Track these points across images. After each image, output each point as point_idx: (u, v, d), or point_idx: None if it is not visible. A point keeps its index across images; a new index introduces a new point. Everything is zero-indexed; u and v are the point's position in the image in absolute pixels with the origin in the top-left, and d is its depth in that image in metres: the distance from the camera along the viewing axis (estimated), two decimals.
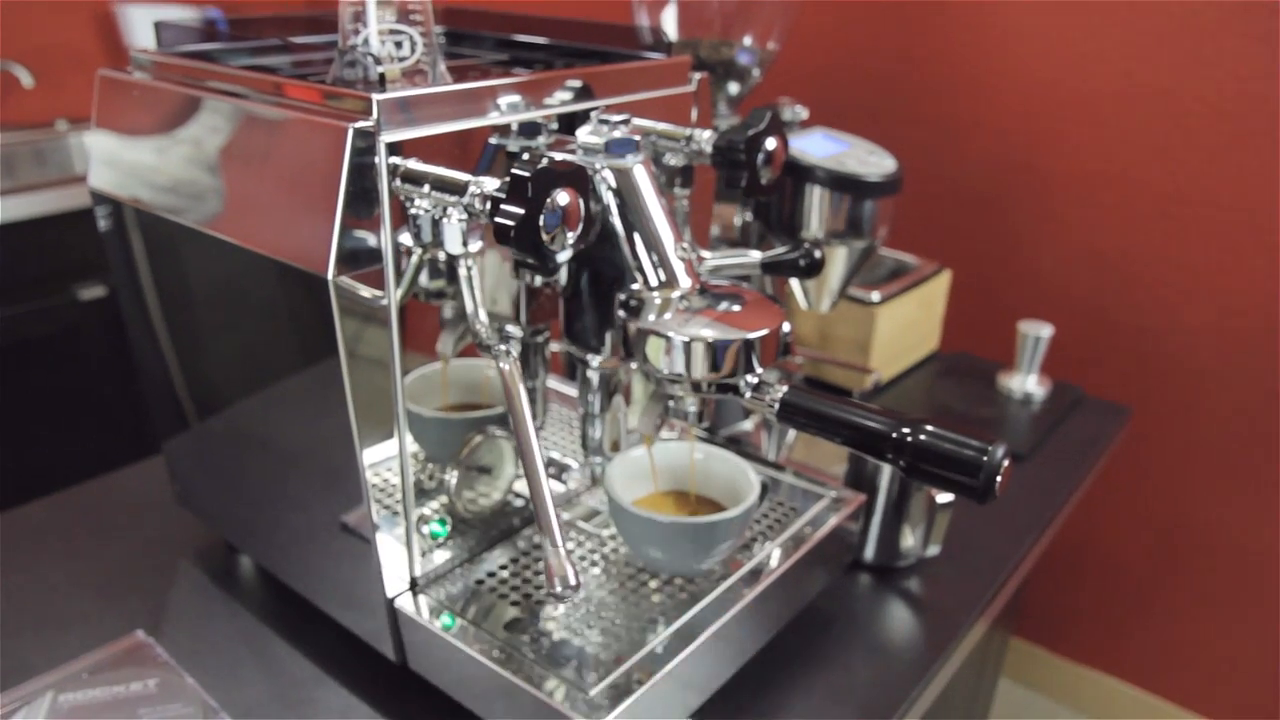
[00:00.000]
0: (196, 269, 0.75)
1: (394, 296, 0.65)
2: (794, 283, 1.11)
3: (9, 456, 1.98)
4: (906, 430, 0.60)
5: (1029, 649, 1.87)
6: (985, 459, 0.58)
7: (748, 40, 1.10)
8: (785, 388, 0.66)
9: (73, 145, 2.42)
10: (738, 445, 1.06)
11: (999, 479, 0.59)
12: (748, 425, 1.16)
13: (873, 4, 1.68)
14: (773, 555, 0.81)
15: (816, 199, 1.03)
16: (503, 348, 0.62)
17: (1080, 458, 1.19)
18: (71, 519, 0.99)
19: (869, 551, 0.97)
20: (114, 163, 0.79)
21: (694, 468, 0.81)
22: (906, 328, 1.35)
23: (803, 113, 1.12)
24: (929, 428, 0.60)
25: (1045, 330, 1.32)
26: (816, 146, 1.05)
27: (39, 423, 2.02)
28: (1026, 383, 1.34)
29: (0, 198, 1.91)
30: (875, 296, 1.27)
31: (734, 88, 1.11)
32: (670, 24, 1.09)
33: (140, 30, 2.43)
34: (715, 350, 0.65)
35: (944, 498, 0.94)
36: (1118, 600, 1.74)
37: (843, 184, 1.02)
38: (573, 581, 0.54)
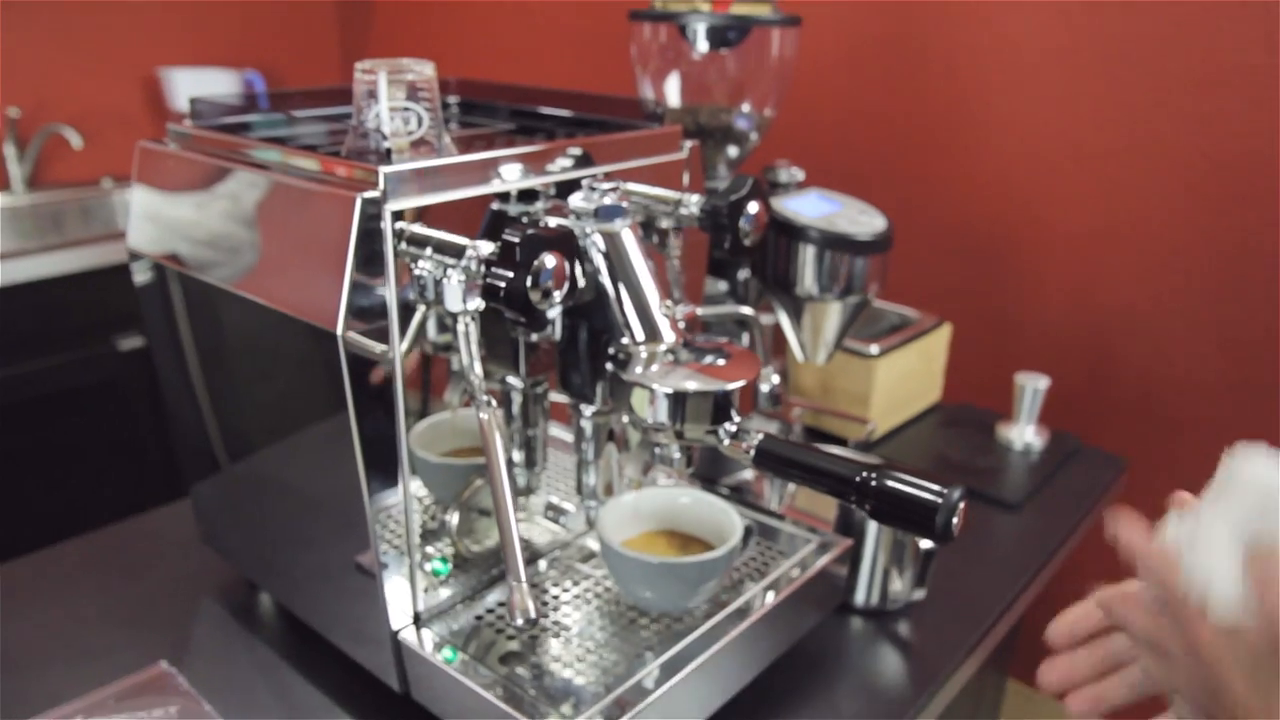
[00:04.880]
0: (222, 323, 0.81)
1: (398, 350, 0.70)
2: (791, 336, 1.16)
3: (48, 498, 2.06)
4: (869, 475, 0.65)
5: (1026, 691, 1.87)
6: (941, 502, 0.63)
7: (745, 107, 1.16)
8: (761, 435, 0.71)
9: (116, 203, 2.53)
10: (739, 494, 1.11)
11: (955, 520, 0.64)
12: (749, 475, 1.20)
13: (872, 66, 1.74)
14: (759, 595, 0.85)
15: (809, 257, 1.08)
16: (484, 399, 0.67)
17: (1073, 507, 1.23)
18: (103, 557, 1.05)
19: (859, 595, 1.00)
20: (149, 224, 0.86)
21: (680, 511, 0.86)
22: (906, 379, 1.39)
23: (799, 174, 1.18)
24: (891, 473, 0.65)
25: (1042, 382, 1.36)
26: (810, 207, 1.11)
27: (77, 467, 2.10)
28: (1025, 433, 1.37)
29: (49, 253, 2.01)
30: (874, 349, 1.31)
31: (733, 151, 1.17)
32: (673, 92, 1.16)
33: (182, 93, 2.54)
34: (694, 401, 0.70)
35: (928, 543, 0.97)
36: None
37: (834, 243, 1.07)
38: (533, 615, 0.59)
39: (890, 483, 0.64)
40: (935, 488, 0.63)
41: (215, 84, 2.58)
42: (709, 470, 1.15)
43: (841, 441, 1.30)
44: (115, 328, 2.11)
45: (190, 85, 2.55)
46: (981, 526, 1.19)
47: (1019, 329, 1.70)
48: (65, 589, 1.00)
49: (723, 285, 1.23)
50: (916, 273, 1.74)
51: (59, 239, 2.37)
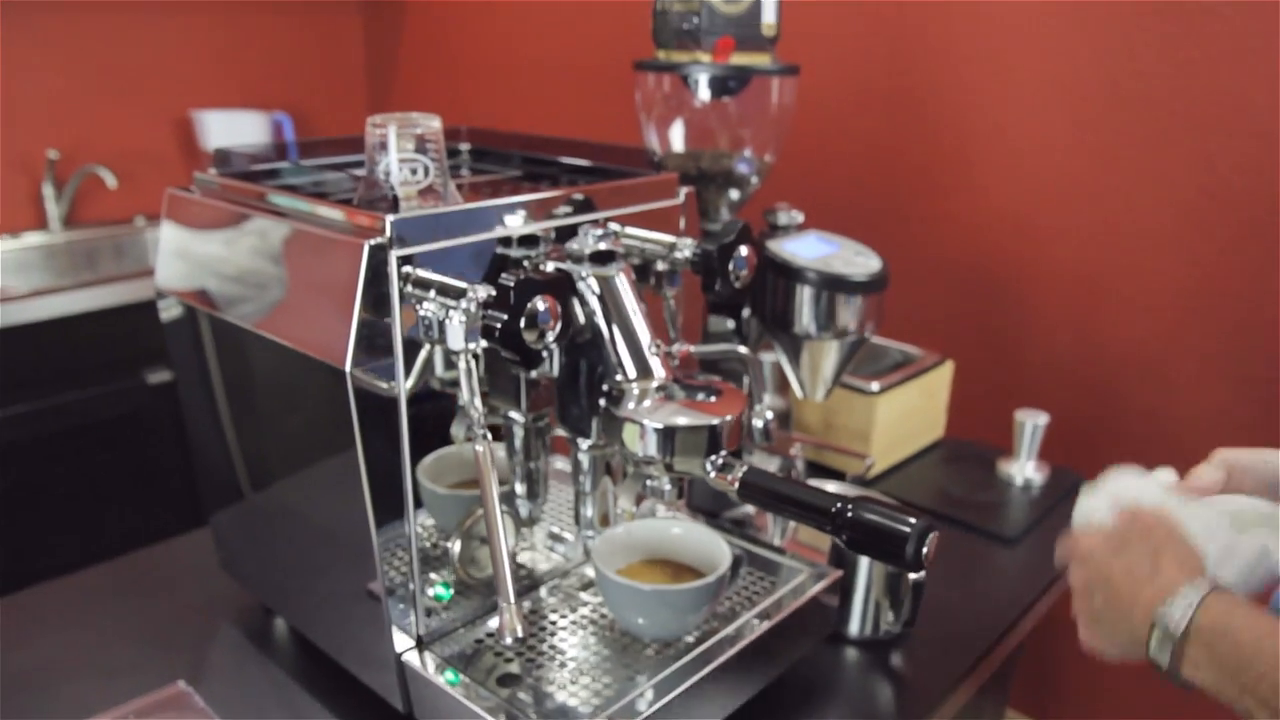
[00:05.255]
0: (241, 359, 0.86)
1: (403, 386, 0.75)
2: (790, 373, 1.20)
3: (76, 525, 2.12)
4: (844, 507, 0.69)
5: None
6: (910, 531, 0.66)
7: (746, 152, 1.21)
8: (745, 469, 0.75)
9: (148, 240, 2.61)
10: (741, 527, 1.14)
11: (925, 550, 0.67)
12: (752, 509, 1.24)
13: (874, 108, 1.79)
14: (749, 622, 0.88)
15: (807, 297, 1.12)
16: (481, 431, 0.71)
17: None
18: (128, 581, 1.10)
19: (852, 626, 1.03)
20: (175, 264, 0.91)
21: (673, 541, 0.90)
22: (908, 416, 1.42)
23: (798, 217, 1.22)
24: (864, 506, 0.68)
25: (1041, 418, 1.39)
26: (808, 249, 1.15)
27: (104, 496, 2.16)
28: (1025, 469, 1.40)
29: (82, 289, 2.08)
30: (875, 387, 1.35)
31: (735, 194, 1.22)
32: (676, 137, 1.21)
33: (214, 134, 2.62)
34: (682, 435, 0.74)
35: (917, 575, 1.00)
36: (1107, 676, 1.75)
37: (830, 284, 1.11)
38: (520, 634, 0.63)
39: (863, 514, 0.68)
40: (905, 519, 0.67)
41: (245, 126, 2.66)
42: (712, 504, 1.19)
43: (840, 476, 1.33)
44: (144, 362, 2.17)
45: (221, 127, 2.63)
46: (978, 560, 1.22)
47: (1022, 366, 1.73)
48: (91, 611, 1.04)
49: (730, 323, 1.27)
50: (921, 310, 1.77)
51: (92, 275, 2.45)
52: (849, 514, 0.69)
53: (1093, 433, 1.68)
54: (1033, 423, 1.39)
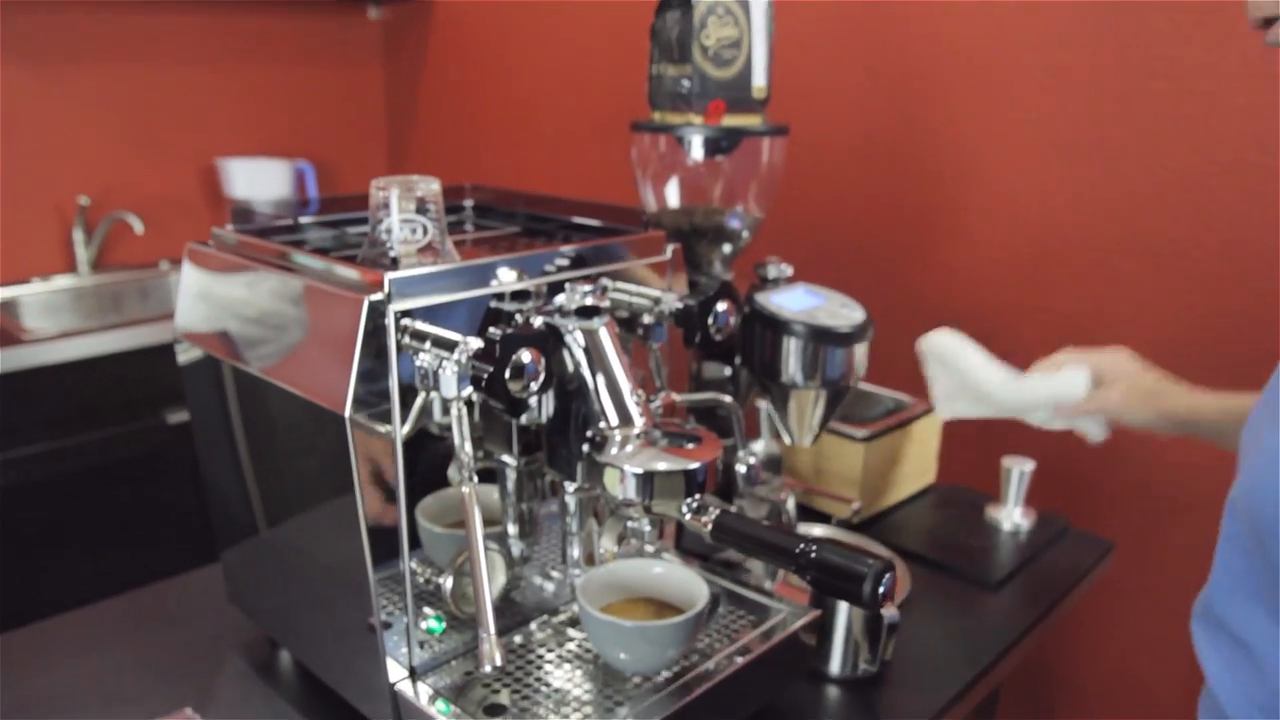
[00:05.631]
0: (251, 403, 0.92)
1: (399, 431, 0.80)
2: (778, 421, 1.25)
3: (96, 560, 2.18)
4: (808, 549, 0.73)
5: None
6: (867, 572, 0.71)
7: (738, 208, 1.26)
8: (718, 511, 0.79)
9: (172, 284, 2.69)
10: (731, 569, 1.19)
11: (882, 590, 0.72)
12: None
13: (867, 159, 1.85)
14: (727, 658, 0.93)
15: (793, 348, 1.17)
16: (468, 474, 0.76)
17: (1052, 587, 1.29)
18: (140, 613, 1.16)
19: (833, 664, 1.07)
20: (194, 312, 0.98)
21: (654, 580, 0.94)
22: (896, 462, 1.46)
23: (787, 270, 1.27)
24: (826, 548, 0.73)
25: (1027, 465, 1.43)
26: (795, 301, 1.20)
27: (124, 532, 2.22)
28: (1013, 515, 1.44)
29: (107, 332, 2.16)
30: (862, 433, 1.39)
31: (727, 248, 1.28)
32: (671, 194, 1.27)
33: (239, 181, 2.71)
34: (659, 479, 0.80)
35: (891, 616, 1.04)
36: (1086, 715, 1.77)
37: (815, 335, 1.16)
38: (499, 663, 0.68)
39: (824, 555, 0.72)
40: (864, 560, 0.71)
41: (269, 174, 2.75)
42: (703, 547, 1.23)
43: (828, 519, 1.37)
44: (164, 402, 2.24)
45: (245, 175, 2.72)
46: (962, 603, 1.25)
47: None
48: (105, 641, 1.10)
49: (727, 370, 1.32)
50: (912, 358, 1.81)
51: (118, 318, 2.53)
52: (812, 555, 0.73)
53: (1082, 479, 1.71)
54: (1019, 469, 1.43)
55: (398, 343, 0.79)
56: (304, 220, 1.03)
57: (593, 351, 0.84)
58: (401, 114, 3.06)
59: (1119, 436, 1.65)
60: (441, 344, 0.78)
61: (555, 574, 1.00)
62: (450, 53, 2.82)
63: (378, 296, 0.78)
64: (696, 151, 1.21)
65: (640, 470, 0.80)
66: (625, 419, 0.83)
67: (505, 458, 0.94)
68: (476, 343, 0.77)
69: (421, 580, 0.90)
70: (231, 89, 2.80)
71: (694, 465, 0.80)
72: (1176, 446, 1.59)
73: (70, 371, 2.10)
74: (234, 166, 2.72)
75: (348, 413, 0.77)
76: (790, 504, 1.35)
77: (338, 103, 3.01)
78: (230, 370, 0.93)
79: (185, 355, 1.00)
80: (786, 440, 1.26)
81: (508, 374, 0.74)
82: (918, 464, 1.52)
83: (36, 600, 1.91)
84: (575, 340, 0.84)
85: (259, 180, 2.72)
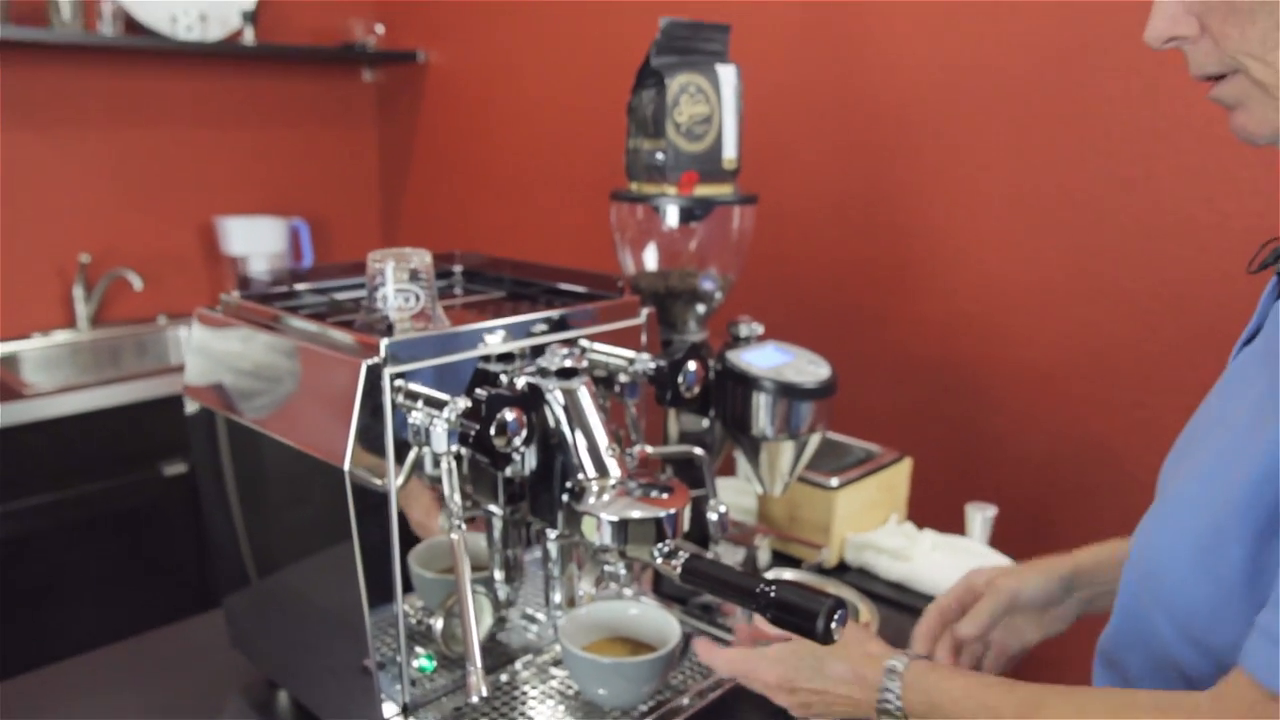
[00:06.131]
0: (254, 457, 0.99)
1: (393, 483, 0.88)
2: (749, 470, 1.32)
3: (94, 611, 2.22)
4: (767, 589, 0.80)
5: None
6: (819, 609, 0.78)
7: (711, 271, 1.35)
8: (687, 555, 0.87)
9: (169, 338, 2.76)
10: (708, 612, 1.25)
11: (834, 625, 0.79)
12: None
13: (846, 220, 1.94)
14: (699, 694, 0.99)
15: (763, 403, 1.24)
16: (457, 522, 0.84)
17: None
18: (143, 658, 1.21)
19: None
20: (201, 371, 1.05)
21: (630, 620, 1.01)
22: (867, 509, 1.53)
23: (758, 329, 1.35)
24: (783, 588, 0.80)
25: (990, 510, 1.50)
26: (764, 358, 1.28)
27: (122, 582, 2.27)
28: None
29: (105, 386, 2.22)
30: (834, 482, 1.47)
31: (701, 308, 1.36)
32: (648, 258, 1.35)
33: (235, 239, 2.79)
34: (633, 526, 0.87)
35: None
36: None
37: (783, 391, 1.24)
38: (484, 693, 0.74)
39: (782, 594, 0.79)
40: (817, 598, 0.78)
41: (265, 232, 2.82)
42: (681, 591, 1.29)
43: (798, 564, 1.44)
44: (161, 455, 2.30)
45: (242, 232, 2.80)
46: None
47: (984, 461, 1.84)
48: (108, 685, 1.15)
49: (704, 423, 1.40)
50: (887, 408, 1.90)
51: (116, 373, 2.59)
52: (771, 595, 0.80)
53: (1045, 523, 1.78)
54: (982, 515, 1.50)
55: (393, 402, 0.87)
56: (300, 287, 1.10)
57: (572, 409, 0.92)
58: (394, 173, 3.16)
59: (1078, 483, 1.73)
60: (432, 403, 0.85)
61: (539, 616, 1.07)
62: (441, 115, 2.93)
63: (375, 360, 0.85)
64: (671, 220, 1.30)
65: (615, 518, 0.87)
66: (602, 471, 0.91)
67: (491, 507, 1.01)
68: (464, 402, 0.84)
69: (414, 621, 0.97)
70: (229, 149, 2.89)
71: (664, 513, 0.88)
72: (1134, 493, 1.67)
73: (69, 425, 2.16)
74: (231, 224, 2.79)
75: (347, 466, 0.84)
76: (765, 550, 1.42)
77: (332, 162, 3.10)
78: (234, 426, 1.00)
79: (192, 411, 1.07)
80: (757, 490, 1.34)
81: (493, 431, 0.82)
82: (889, 511, 1.59)
83: (36, 651, 1.96)
84: (556, 399, 0.92)
85: (255, 238, 2.80)
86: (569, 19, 2.46)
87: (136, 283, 2.61)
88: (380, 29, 2.95)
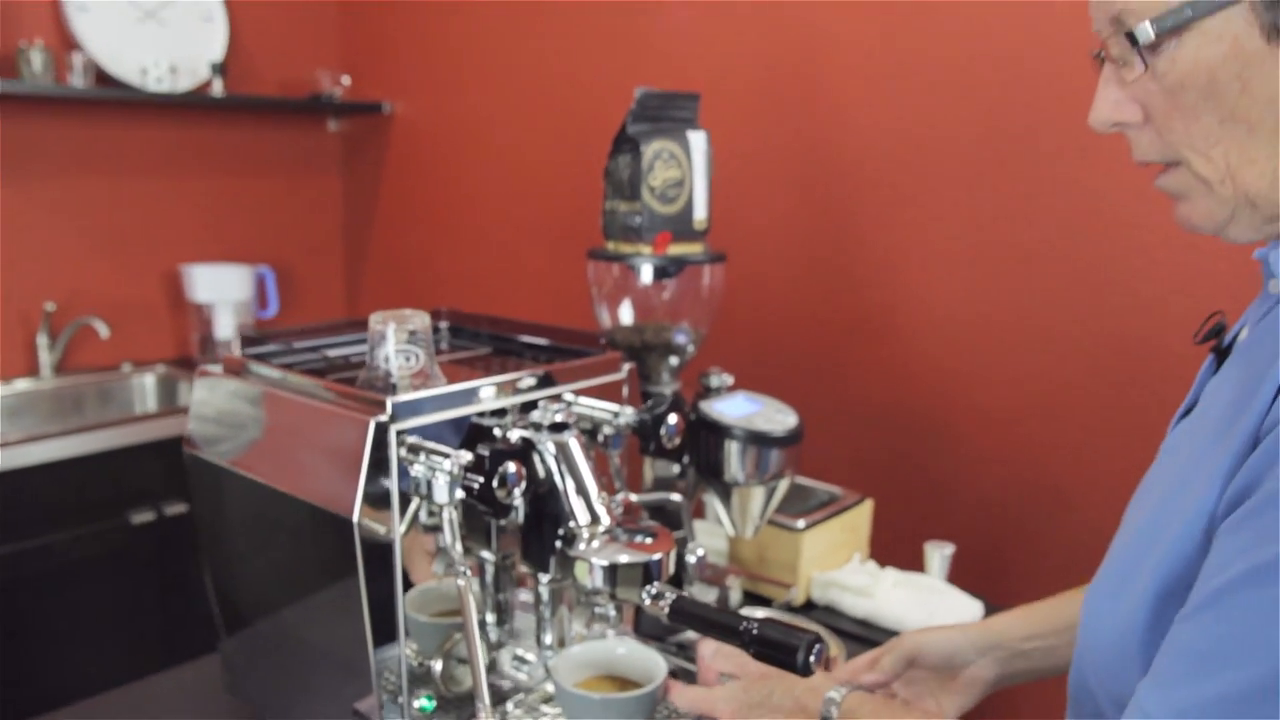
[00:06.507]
0: (257, 508, 1.04)
1: (398, 532, 0.93)
2: (722, 514, 1.39)
3: (62, 661, 2.21)
4: (749, 626, 0.87)
5: None
6: (799, 644, 0.84)
7: (684, 325, 1.42)
8: (674, 596, 0.93)
9: (134, 385, 2.77)
10: (684, 650, 1.31)
11: (813, 659, 0.85)
12: (693, 635, 1.40)
13: (810, 274, 2.03)
14: None
15: (734, 450, 1.32)
16: (462, 569, 0.89)
17: None
18: (132, 708, 1.24)
19: None
20: (204, 426, 1.10)
21: (619, 659, 1.07)
22: (833, 549, 1.61)
23: (728, 379, 1.43)
24: (765, 624, 0.87)
25: (948, 549, 1.58)
26: (735, 408, 1.35)
27: (90, 632, 2.26)
28: None
29: (73, 435, 2.22)
30: (800, 524, 1.54)
31: (674, 360, 1.43)
32: (624, 313, 1.42)
33: (201, 287, 2.81)
34: (622, 570, 0.93)
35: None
36: None
37: (753, 439, 1.31)
38: None
39: (764, 631, 0.86)
40: (797, 634, 0.85)
41: (230, 279, 2.85)
42: (659, 630, 1.35)
43: (769, 603, 1.51)
44: (127, 503, 2.30)
45: (208, 280, 2.83)
46: None
47: (943, 501, 1.93)
48: None
49: (676, 468, 1.46)
50: (849, 452, 1.98)
51: (80, 421, 2.59)
52: (753, 631, 0.87)
53: (1000, 561, 1.87)
54: (940, 553, 1.58)
55: (398, 457, 0.92)
56: (302, 347, 1.16)
57: (563, 460, 0.98)
58: (358, 222, 3.21)
59: (1030, 522, 1.82)
60: (435, 457, 0.91)
61: (529, 657, 1.12)
62: (406, 165, 2.99)
63: (382, 418, 0.91)
64: (646, 277, 1.37)
65: (606, 562, 0.94)
66: (594, 518, 0.97)
67: (484, 554, 1.06)
68: (466, 456, 0.90)
69: (415, 664, 1.02)
70: (196, 197, 2.92)
71: (652, 558, 0.94)
72: (1081, 529, 1.76)
73: (34, 475, 2.15)
74: (197, 272, 2.82)
75: (356, 518, 0.90)
76: (736, 590, 1.49)
77: (297, 210, 3.14)
78: (237, 478, 1.04)
79: (194, 464, 1.11)
80: (729, 532, 1.40)
81: (495, 484, 0.88)
82: (853, 550, 1.66)
83: (5, 705, 1.96)
84: (548, 450, 0.98)
85: (221, 285, 2.83)
86: (532, 73, 2.54)
87: (103, 330, 2.62)
88: (347, 80, 3.01)
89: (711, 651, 1.00)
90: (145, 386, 2.79)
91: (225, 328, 2.85)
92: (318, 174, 3.18)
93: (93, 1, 2.60)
